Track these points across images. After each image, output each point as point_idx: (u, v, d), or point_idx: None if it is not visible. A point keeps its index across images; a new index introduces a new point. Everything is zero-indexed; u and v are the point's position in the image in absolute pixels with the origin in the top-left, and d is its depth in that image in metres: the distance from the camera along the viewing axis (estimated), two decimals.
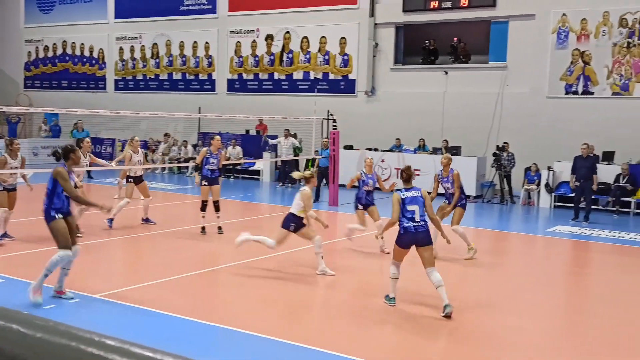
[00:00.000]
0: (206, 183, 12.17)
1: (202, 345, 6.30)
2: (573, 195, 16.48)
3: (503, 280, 9.91)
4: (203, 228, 12.19)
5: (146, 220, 13.19)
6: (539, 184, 18.29)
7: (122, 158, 13.63)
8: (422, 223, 7.53)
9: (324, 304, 8.42)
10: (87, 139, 12.66)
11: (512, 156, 18.55)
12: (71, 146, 8.08)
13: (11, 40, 32.61)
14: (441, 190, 11.17)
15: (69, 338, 0.74)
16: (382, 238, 10.22)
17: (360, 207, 11.43)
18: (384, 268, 9.99)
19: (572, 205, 17.03)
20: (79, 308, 7.36)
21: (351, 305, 8.05)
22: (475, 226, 15.40)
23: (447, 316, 7.29)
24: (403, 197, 7.60)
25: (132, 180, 13.06)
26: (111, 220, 12.39)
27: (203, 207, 12.20)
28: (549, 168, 18.10)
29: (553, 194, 18.00)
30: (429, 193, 8.54)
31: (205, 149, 12.57)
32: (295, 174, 9.99)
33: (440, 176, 11.05)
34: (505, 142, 18.85)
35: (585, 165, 15.15)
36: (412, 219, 7.49)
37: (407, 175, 7.90)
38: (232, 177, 23.29)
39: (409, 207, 7.51)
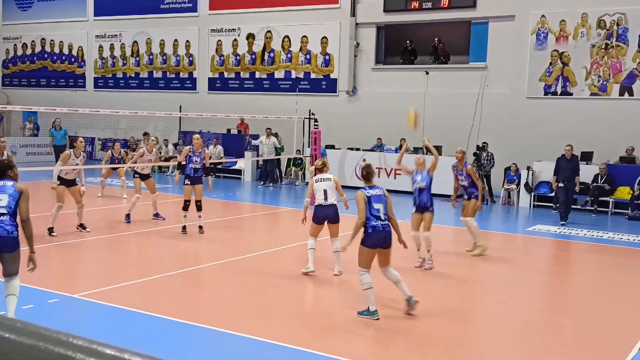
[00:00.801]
0: (189, 182, 12.11)
1: (182, 344, 6.27)
2: (552, 195, 16.63)
3: (482, 278, 9.97)
4: (184, 227, 12.11)
5: (156, 216, 13.59)
6: (518, 184, 18.44)
7: (137, 156, 13.59)
8: (387, 222, 7.27)
9: (304, 302, 8.41)
10: (81, 138, 12.57)
11: (491, 156, 18.67)
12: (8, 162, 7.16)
13: None
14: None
15: (37, 338, 0.73)
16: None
17: None
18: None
19: (552, 205, 17.21)
20: (57, 308, 7.28)
21: (333, 303, 8.05)
22: (455, 225, 15.50)
23: (413, 305, 7.33)
24: (368, 195, 7.26)
25: (138, 176, 13.47)
26: (128, 216, 13.07)
27: (185, 207, 12.12)
28: (528, 168, 18.25)
29: (532, 194, 18.15)
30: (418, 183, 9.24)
31: (188, 147, 12.54)
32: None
33: (456, 168, 11.32)
34: (484, 142, 18.98)
35: (569, 166, 15.08)
36: (379, 218, 7.18)
37: (367, 173, 7.60)
38: (213, 176, 23.16)
39: (375, 206, 7.22)
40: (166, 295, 8.16)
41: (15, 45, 31.69)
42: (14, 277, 6.40)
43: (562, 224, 14.88)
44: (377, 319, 7.15)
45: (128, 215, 13.10)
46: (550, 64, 19.99)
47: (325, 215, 9.16)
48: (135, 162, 13.40)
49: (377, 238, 7.13)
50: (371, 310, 7.19)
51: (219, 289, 8.50)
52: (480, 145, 18.87)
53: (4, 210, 6.21)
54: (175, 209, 14.03)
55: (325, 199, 9.19)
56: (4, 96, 30.51)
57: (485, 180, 18.76)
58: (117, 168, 16.77)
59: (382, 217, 7.20)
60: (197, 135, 12.71)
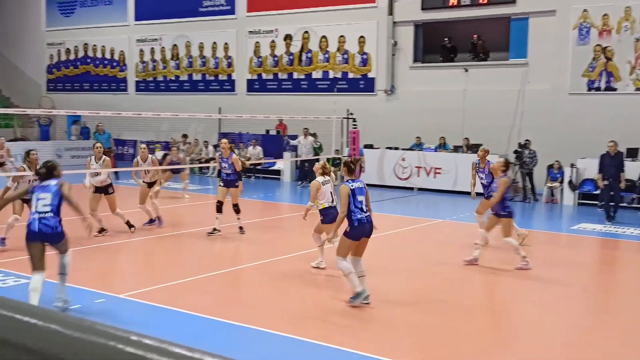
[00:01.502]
0: (222, 184, 12.18)
1: (225, 344, 6.33)
2: (598, 193, 16.29)
3: (525, 277, 9.81)
4: (214, 229, 12.07)
5: (151, 222, 12.87)
6: (561, 182, 18.11)
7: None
8: (369, 214, 7.58)
9: (341, 304, 8.40)
10: (143, 145, 12.66)
11: (534, 154, 18.37)
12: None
13: (33, 43, 33.02)
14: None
15: (107, 338, 0.74)
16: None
17: None
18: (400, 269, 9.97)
19: (597, 202, 16.86)
20: (104, 308, 7.43)
21: (370, 306, 8.03)
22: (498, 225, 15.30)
23: (365, 301, 7.51)
24: (352, 188, 7.49)
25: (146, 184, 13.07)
26: (158, 219, 12.77)
27: (218, 209, 12.09)
28: (572, 165, 17.91)
29: (576, 192, 17.81)
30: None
31: (217, 153, 12.58)
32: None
33: (477, 165, 11.39)
34: (527, 140, 18.67)
35: (613, 163, 14.70)
36: (362, 210, 7.47)
37: (353, 166, 7.88)
38: (252, 177, 23.36)
39: (359, 198, 7.48)
40: (208, 295, 8.25)
41: (59, 50, 32.43)
42: (65, 254, 7.23)
43: (608, 222, 14.56)
44: (367, 299, 7.44)
45: (157, 219, 12.73)
46: (593, 59, 19.58)
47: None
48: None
49: (362, 230, 7.43)
50: (358, 291, 7.43)
51: (259, 289, 8.56)
52: (522, 143, 18.58)
53: (47, 209, 6.85)
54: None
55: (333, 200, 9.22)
56: (49, 101, 31.23)
57: (528, 178, 18.49)
58: (177, 171, 16.93)
59: (365, 209, 7.51)
60: (224, 140, 12.37)
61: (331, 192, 9.28)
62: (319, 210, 9.26)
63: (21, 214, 10.28)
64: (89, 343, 0.75)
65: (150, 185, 13.04)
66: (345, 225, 7.62)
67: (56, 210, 6.90)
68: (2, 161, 17.13)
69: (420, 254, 11.29)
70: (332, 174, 9.75)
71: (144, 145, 13.14)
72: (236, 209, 12.07)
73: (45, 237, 6.94)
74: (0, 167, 16.82)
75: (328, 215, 9.12)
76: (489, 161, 11.29)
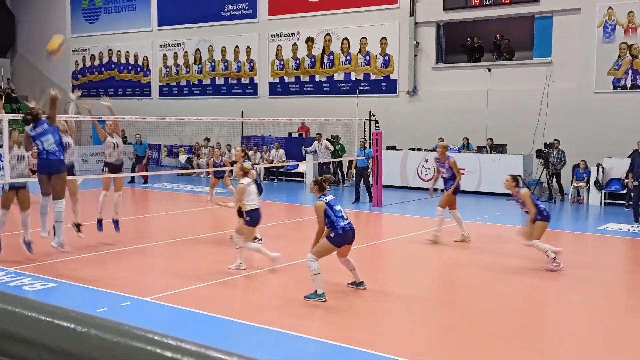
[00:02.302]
0: None
1: (249, 346, 6.35)
2: (625, 193, 16.05)
3: (554, 278, 9.71)
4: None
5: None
6: (588, 181, 17.89)
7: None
8: (350, 221, 7.93)
9: (367, 305, 8.39)
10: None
11: (562, 154, 18.16)
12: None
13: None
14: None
15: (146, 342, 0.75)
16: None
17: None
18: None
19: (624, 202, 16.62)
20: (131, 311, 7.50)
21: (393, 307, 8.00)
22: (523, 225, 15.15)
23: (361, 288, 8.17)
24: (327, 201, 7.84)
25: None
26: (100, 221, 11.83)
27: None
28: (598, 165, 17.67)
29: (603, 191, 17.57)
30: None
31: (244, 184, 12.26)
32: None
33: (438, 160, 12.17)
34: (556, 140, 18.43)
35: None
36: (344, 218, 7.83)
37: (325, 184, 8.13)
38: (275, 179, 23.43)
39: (337, 207, 7.84)
40: (233, 298, 8.29)
41: (83, 57, 32.83)
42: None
43: (636, 223, 14.32)
44: (325, 300, 7.72)
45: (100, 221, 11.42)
46: (619, 56, 19.32)
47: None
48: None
49: (346, 237, 7.83)
50: (319, 293, 7.78)
51: (283, 292, 8.57)
52: (549, 143, 18.33)
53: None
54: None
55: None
56: (75, 106, 31.60)
57: (555, 178, 18.34)
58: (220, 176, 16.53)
59: (345, 216, 7.88)
60: (237, 148, 11.98)
61: (256, 193, 9.38)
62: (246, 211, 9.17)
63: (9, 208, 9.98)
64: (128, 347, 0.76)
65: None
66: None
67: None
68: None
69: (444, 256, 11.22)
70: (252, 171, 9.63)
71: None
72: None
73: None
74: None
75: (254, 217, 9.19)
76: (448, 156, 11.95)
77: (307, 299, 7.78)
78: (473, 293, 8.62)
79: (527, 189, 10.10)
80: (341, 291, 8.34)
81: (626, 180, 15.91)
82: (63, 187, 9.61)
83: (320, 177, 8.25)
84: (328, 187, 8.21)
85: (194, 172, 24.31)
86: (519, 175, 10.70)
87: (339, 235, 7.76)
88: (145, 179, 21.82)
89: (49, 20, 33.75)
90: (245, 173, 9.37)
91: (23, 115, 9.59)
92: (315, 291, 7.77)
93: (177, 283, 8.79)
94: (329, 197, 7.97)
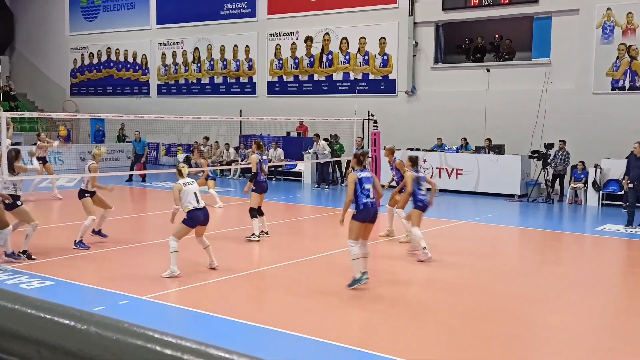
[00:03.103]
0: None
1: (248, 344, 6.35)
2: (622, 194, 16.04)
3: (551, 279, 9.72)
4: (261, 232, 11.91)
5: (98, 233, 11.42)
6: (585, 182, 17.91)
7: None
8: (374, 200, 8.34)
9: (365, 304, 8.40)
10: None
11: (566, 155, 18.21)
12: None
13: (57, 48, 33.44)
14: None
15: (145, 340, 0.75)
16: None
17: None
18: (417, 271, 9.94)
19: (621, 203, 16.63)
20: (128, 310, 7.50)
21: (401, 303, 8.01)
22: (521, 225, 15.19)
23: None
24: (360, 177, 8.29)
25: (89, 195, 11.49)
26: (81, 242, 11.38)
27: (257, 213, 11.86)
28: (596, 166, 17.69)
29: (601, 192, 17.59)
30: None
31: (256, 155, 11.97)
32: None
33: (390, 164, 12.49)
34: (561, 140, 18.43)
35: (638, 164, 14.28)
36: (369, 196, 8.23)
37: (362, 158, 8.59)
38: (274, 179, 23.43)
39: (366, 186, 8.25)
40: (231, 297, 8.29)
41: (82, 55, 32.80)
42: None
43: (626, 227, 14.08)
44: (367, 280, 8.17)
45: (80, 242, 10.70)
46: (618, 57, 19.34)
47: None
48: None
49: (367, 213, 8.22)
50: (357, 278, 8.18)
51: (284, 291, 8.57)
52: (548, 144, 18.32)
53: None
54: (237, 212, 14.22)
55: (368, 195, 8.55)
56: (73, 104, 31.61)
57: (558, 179, 18.42)
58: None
59: (371, 196, 8.27)
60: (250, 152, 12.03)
61: (195, 193, 8.95)
62: (186, 212, 8.95)
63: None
64: (128, 345, 0.76)
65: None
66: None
67: None
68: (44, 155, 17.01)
69: (440, 257, 11.23)
70: (183, 171, 9.19)
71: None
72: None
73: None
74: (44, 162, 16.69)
75: (192, 219, 8.94)
76: (395, 158, 12.28)
77: (350, 286, 8.21)
78: (470, 294, 8.62)
79: (412, 173, 10.34)
80: (341, 292, 8.35)
81: (623, 182, 15.91)
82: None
83: (360, 152, 8.69)
84: (365, 162, 8.67)
85: (192, 171, 24.26)
86: (417, 157, 10.94)
87: (360, 212, 8.19)
88: (143, 178, 21.80)
89: (48, 18, 33.72)
90: (182, 174, 9.10)
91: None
92: (354, 277, 8.21)
93: (175, 282, 8.79)
94: (364, 174, 8.37)
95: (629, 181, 14.23)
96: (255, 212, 11.64)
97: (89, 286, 8.49)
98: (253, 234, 11.66)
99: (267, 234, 11.96)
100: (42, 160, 16.51)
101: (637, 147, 14.46)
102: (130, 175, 20.93)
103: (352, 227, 8.23)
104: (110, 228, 11.58)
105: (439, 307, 7.92)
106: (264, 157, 12.33)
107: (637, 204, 14.36)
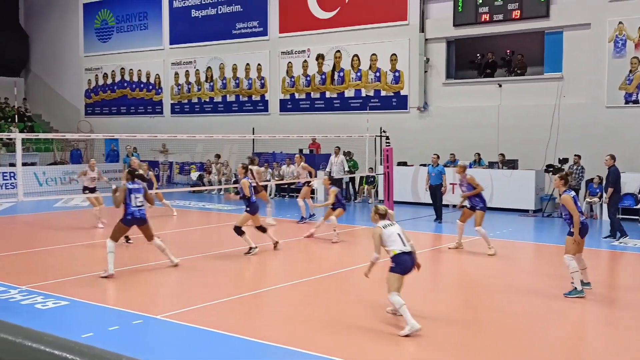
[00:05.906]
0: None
1: None
2: (638, 208, 15.88)
3: (559, 298, 9.60)
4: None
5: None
6: (601, 197, 17.75)
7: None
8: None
9: (371, 323, 8.33)
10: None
11: (581, 169, 18.09)
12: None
13: (72, 68, 33.83)
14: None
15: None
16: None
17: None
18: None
19: (637, 218, 16.46)
20: (142, 329, 7.49)
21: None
22: (536, 241, 15.06)
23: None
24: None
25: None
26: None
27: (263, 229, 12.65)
28: None
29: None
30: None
31: (246, 180, 12.64)
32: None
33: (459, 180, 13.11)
34: (576, 155, 18.33)
35: None
36: (403, 245, 7.51)
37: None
38: (287, 196, 23.42)
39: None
40: (243, 315, 8.25)
41: (96, 75, 33.15)
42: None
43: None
44: (584, 296, 8.68)
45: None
46: (630, 71, 19.24)
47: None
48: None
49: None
50: (578, 290, 8.92)
51: (296, 309, 8.53)
52: (562, 158, 18.20)
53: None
54: (247, 230, 14.18)
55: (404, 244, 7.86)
56: (88, 124, 31.89)
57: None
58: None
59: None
60: (239, 165, 13.21)
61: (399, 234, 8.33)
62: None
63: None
64: None
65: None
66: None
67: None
68: (94, 186, 15.91)
69: (455, 273, 11.14)
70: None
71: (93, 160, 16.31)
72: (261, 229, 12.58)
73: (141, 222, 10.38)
74: (91, 192, 15.68)
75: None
76: (466, 174, 12.83)
77: (567, 295, 8.83)
78: (485, 310, 8.53)
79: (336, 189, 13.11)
80: (351, 310, 8.28)
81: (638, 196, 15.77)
82: None
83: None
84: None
85: (206, 190, 24.39)
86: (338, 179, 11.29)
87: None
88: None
89: (63, 39, 34.15)
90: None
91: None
92: (575, 288, 8.87)
93: (188, 300, 8.78)
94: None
95: None
96: (241, 231, 12.23)
97: (103, 306, 8.49)
98: (250, 248, 12.11)
99: (278, 242, 12.66)
100: (90, 190, 15.80)
101: None
102: None
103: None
104: (124, 247, 11.60)
105: (453, 323, 7.82)
106: (250, 181, 12.95)
107: None
